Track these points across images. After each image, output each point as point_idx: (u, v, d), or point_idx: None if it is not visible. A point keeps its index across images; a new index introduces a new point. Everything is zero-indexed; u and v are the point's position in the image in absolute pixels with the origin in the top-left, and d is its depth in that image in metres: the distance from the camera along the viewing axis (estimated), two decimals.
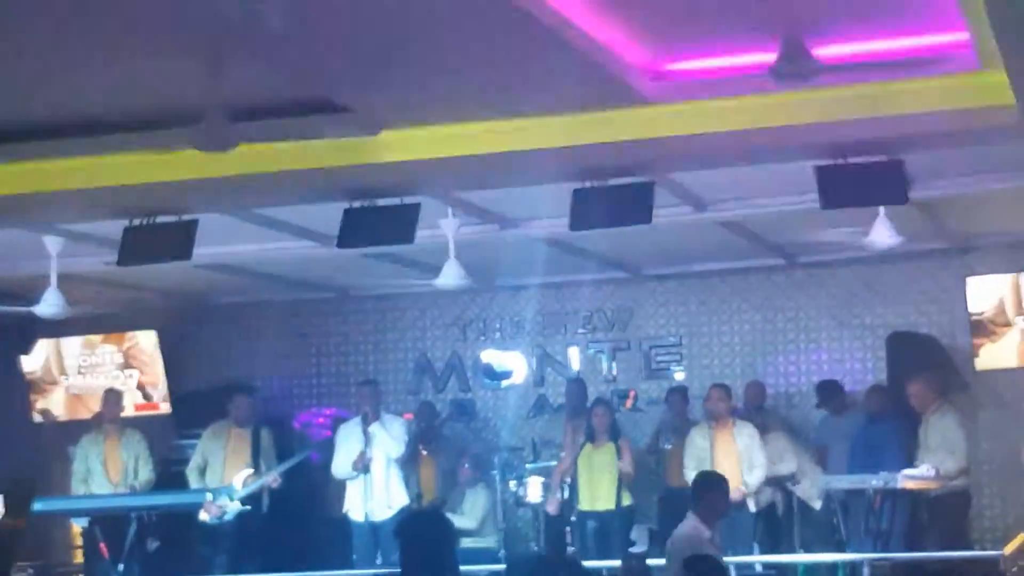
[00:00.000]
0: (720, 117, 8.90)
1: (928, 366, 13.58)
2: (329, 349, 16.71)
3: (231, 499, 13.12)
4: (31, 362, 16.30)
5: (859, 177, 9.12)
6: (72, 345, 16.22)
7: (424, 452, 14.21)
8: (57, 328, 14.50)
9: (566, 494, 13.40)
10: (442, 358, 16.48)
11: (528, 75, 8.32)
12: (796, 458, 13.49)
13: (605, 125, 9.10)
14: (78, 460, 13.87)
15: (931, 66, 7.99)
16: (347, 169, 9.71)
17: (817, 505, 13.54)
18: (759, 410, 14.23)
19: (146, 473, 13.91)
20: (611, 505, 13.19)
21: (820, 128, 8.84)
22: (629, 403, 15.66)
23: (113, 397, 14.25)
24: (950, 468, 12.56)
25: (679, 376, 15.74)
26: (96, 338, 16.20)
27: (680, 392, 14.78)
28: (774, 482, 13.31)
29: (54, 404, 16.23)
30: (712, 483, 9.94)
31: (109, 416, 14.00)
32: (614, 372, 16.07)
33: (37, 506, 10.69)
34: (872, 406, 13.71)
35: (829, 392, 14.20)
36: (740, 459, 12.94)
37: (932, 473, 12.32)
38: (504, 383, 16.35)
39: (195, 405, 15.47)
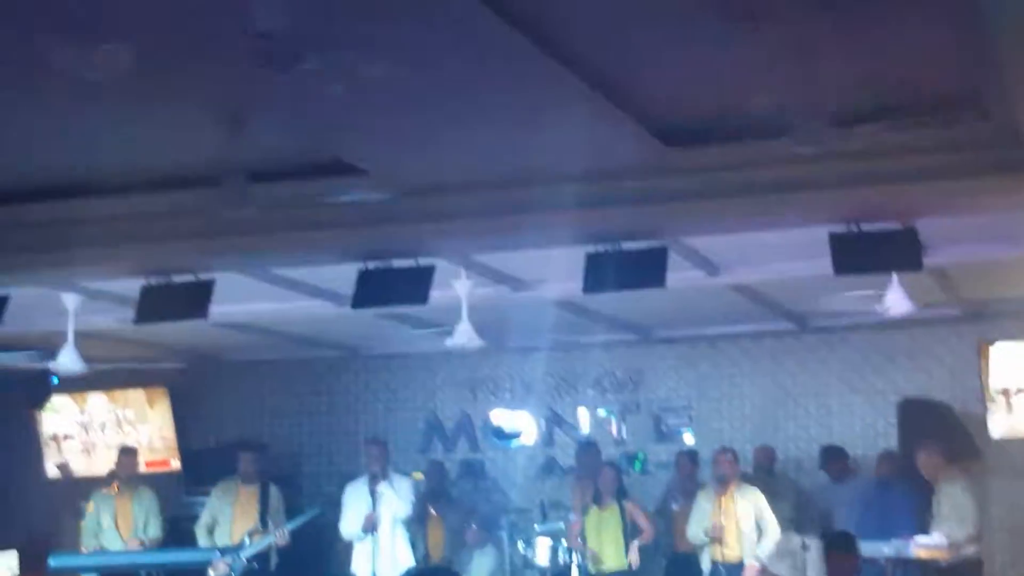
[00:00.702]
0: (733, 183, 8.94)
1: (940, 433, 13.55)
2: (340, 407, 16.74)
3: (239, 557, 13.10)
4: (46, 417, 16.36)
5: (873, 243, 9.13)
6: (86, 401, 16.27)
7: (433, 512, 14.19)
8: (72, 384, 14.55)
9: (579, 558, 13.38)
10: (452, 418, 16.52)
11: (543, 139, 8.37)
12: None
13: (619, 189, 9.14)
14: (90, 515, 13.88)
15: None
16: (362, 231, 9.76)
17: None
18: (768, 475, 14.21)
19: (155, 530, 13.91)
20: (617, 566, 13.17)
21: (834, 195, 8.87)
22: (638, 465, 15.68)
23: (128, 454, 14.26)
24: (961, 537, 12.52)
25: (688, 439, 15.74)
26: (109, 394, 16.25)
27: (689, 455, 14.79)
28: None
29: (68, 459, 16.27)
30: None
31: (123, 473, 14.01)
32: (623, 434, 16.08)
33: (51, 562, 10.66)
34: (883, 472, 13.68)
35: (831, 457, 14.18)
36: (742, 524, 12.92)
37: (944, 542, 12.29)
38: (513, 444, 16.38)
39: (205, 462, 15.49)
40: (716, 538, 12.90)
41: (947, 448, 13.01)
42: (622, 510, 13.28)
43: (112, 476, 14.44)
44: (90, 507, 13.97)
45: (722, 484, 13.10)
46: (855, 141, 8.02)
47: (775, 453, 14.61)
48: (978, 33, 6.64)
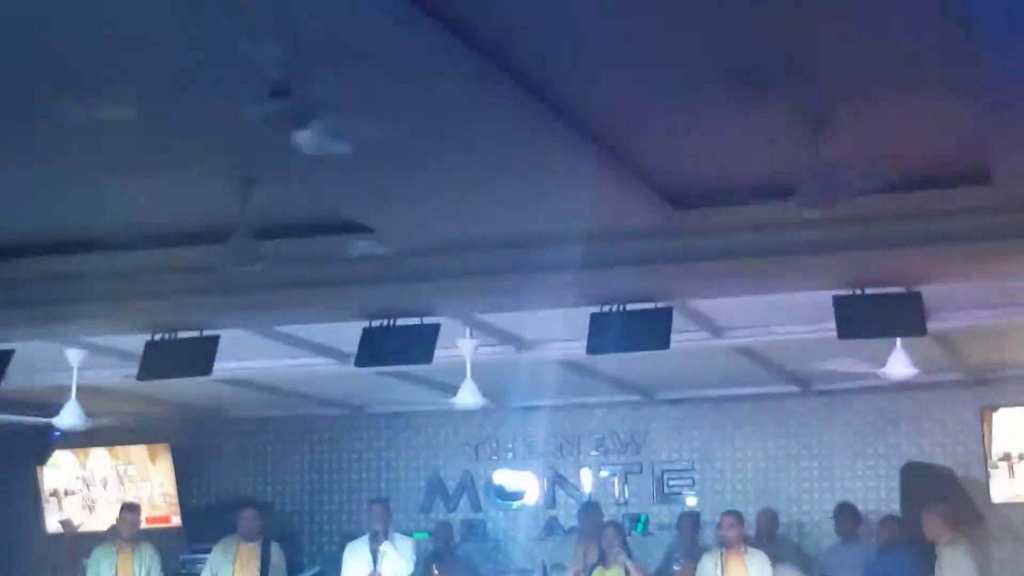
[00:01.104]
0: (739, 245, 8.98)
1: (942, 497, 13.50)
2: (342, 465, 16.72)
3: None
4: (47, 472, 16.36)
5: (877, 308, 9.15)
6: (88, 456, 16.27)
7: (436, 573, 14.12)
8: (74, 439, 14.56)
9: None
10: (454, 477, 16.48)
11: (551, 200, 8.43)
12: None
13: (625, 250, 9.18)
14: (90, 571, 13.82)
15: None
16: (368, 289, 9.79)
17: None
18: (771, 538, 14.16)
19: None
20: None
21: (839, 259, 8.91)
22: (640, 526, 15.64)
23: (130, 511, 14.19)
24: None
25: (691, 501, 15.71)
26: (111, 449, 16.25)
27: (691, 517, 14.75)
28: None
29: (69, 515, 16.26)
30: None
31: (125, 530, 13.94)
32: (626, 495, 16.05)
33: None
34: (885, 536, 13.63)
35: (845, 515, 14.06)
36: None
37: None
38: (516, 504, 16.33)
39: (206, 519, 15.46)
40: None
41: (949, 512, 12.96)
42: (626, 571, 13.21)
43: (114, 532, 14.39)
44: (91, 561, 13.91)
45: (727, 547, 13.02)
46: (860, 206, 8.05)
47: (778, 516, 14.56)
48: (982, 104, 6.70)
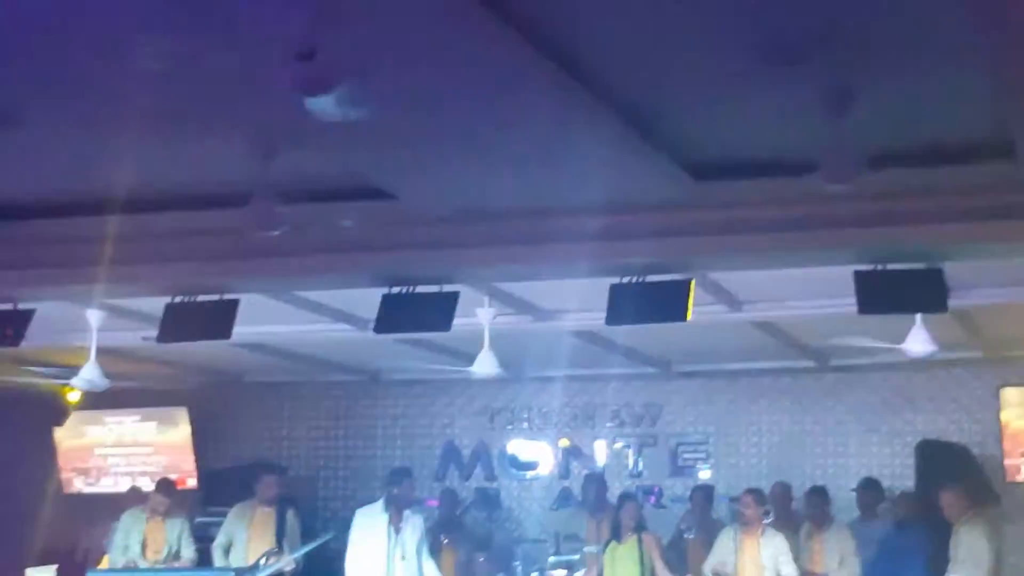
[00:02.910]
0: (760, 219, 8.96)
1: (958, 475, 13.48)
2: (358, 432, 16.76)
3: None
4: (65, 434, 16.43)
5: (898, 283, 9.12)
6: (106, 418, 16.33)
7: (445, 541, 14.14)
8: (93, 400, 14.61)
9: None
10: (469, 446, 16.53)
11: (573, 170, 8.41)
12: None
13: (646, 222, 9.17)
14: (119, 534, 13.86)
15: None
16: (388, 256, 9.79)
17: None
18: (786, 512, 14.14)
19: (189, 553, 13.87)
20: None
21: (861, 233, 8.88)
22: (653, 499, 15.64)
23: (164, 490, 14.19)
24: None
25: (705, 474, 15.72)
26: (129, 411, 16.31)
27: (704, 490, 14.76)
28: None
29: (87, 476, 16.34)
30: None
31: (159, 509, 13.90)
32: (640, 467, 16.07)
33: None
34: (900, 513, 13.61)
35: (871, 491, 13.98)
36: (763, 569, 12.85)
37: None
38: (529, 474, 16.36)
39: (222, 482, 15.51)
40: None
41: (970, 491, 12.92)
42: (640, 544, 13.20)
43: (136, 495, 14.47)
44: (120, 525, 13.95)
45: (745, 525, 12.99)
46: (884, 181, 8.03)
47: (791, 491, 14.54)
48: (1006, 77, 6.67)
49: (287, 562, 13.31)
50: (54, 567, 10.13)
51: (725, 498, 14.59)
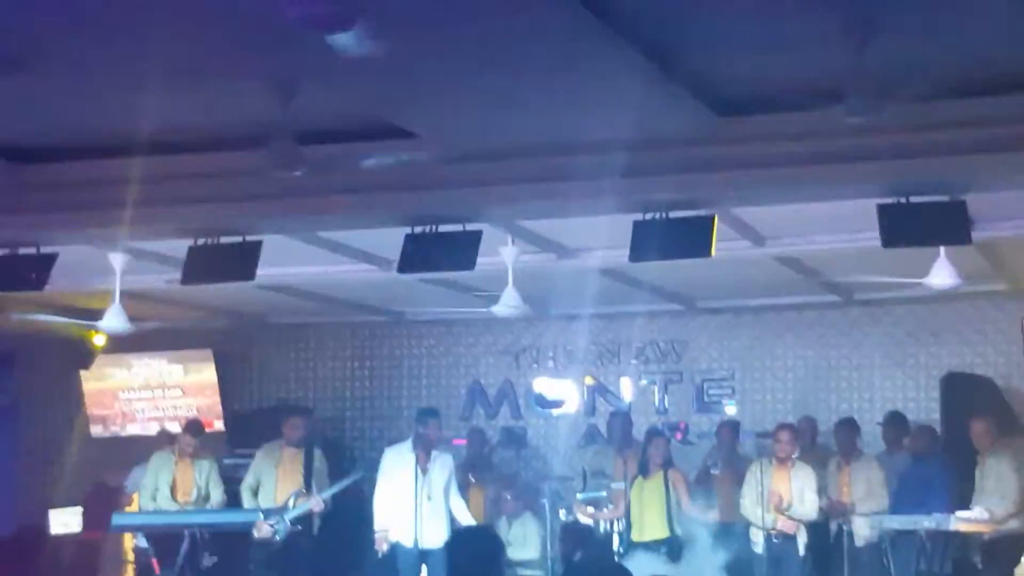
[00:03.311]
0: (784, 153, 8.92)
1: (983, 408, 13.46)
2: (383, 372, 16.81)
3: (283, 519, 13.15)
4: (90, 377, 16.52)
5: (922, 216, 9.08)
6: (132, 361, 16.42)
7: (473, 480, 14.19)
8: (118, 344, 14.68)
9: (619, 526, 13.37)
10: (495, 385, 16.56)
11: (595, 107, 8.38)
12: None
13: (669, 158, 9.14)
14: (148, 476, 13.94)
15: None
16: (410, 194, 9.78)
17: (865, 542, 13.42)
18: (812, 445, 14.17)
19: (218, 495, 13.94)
20: (661, 535, 13.15)
21: (884, 166, 8.84)
22: (679, 436, 15.65)
23: (192, 431, 14.26)
24: (1002, 512, 12.43)
25: (730, 410, 15.73)
26: (154, 355, 16.39)
27: (731, 426, 14.77)
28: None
29: (112, 419, 16.45)
30: None
31: (187, 450, 13.99)
32: (666, 404, 16.10)
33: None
34: (918, 447, 13.58)
35: (896, 425, 13.95)
36: (794, 500, 12.91)
37: (985, 516, 12.23)
38: (555, 412, 16.40)
39: (249, 424, 15.59)
40: (776, 508, 12.86)
41: (999, 421, 12.89)
42: (667, 480, 13.25)
43: (164, 437, 14.56)
44: (149, 467, 14.03)
45: (777, 459, 13.04)
46: (906, 113, 7.98)
47: (817, 425, 14.57)
48: None
49: (316, 502, 13.38)
50: (79, 508, 10.22)
51: (751, 433, 14.59)
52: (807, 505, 12.91)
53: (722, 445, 14.55)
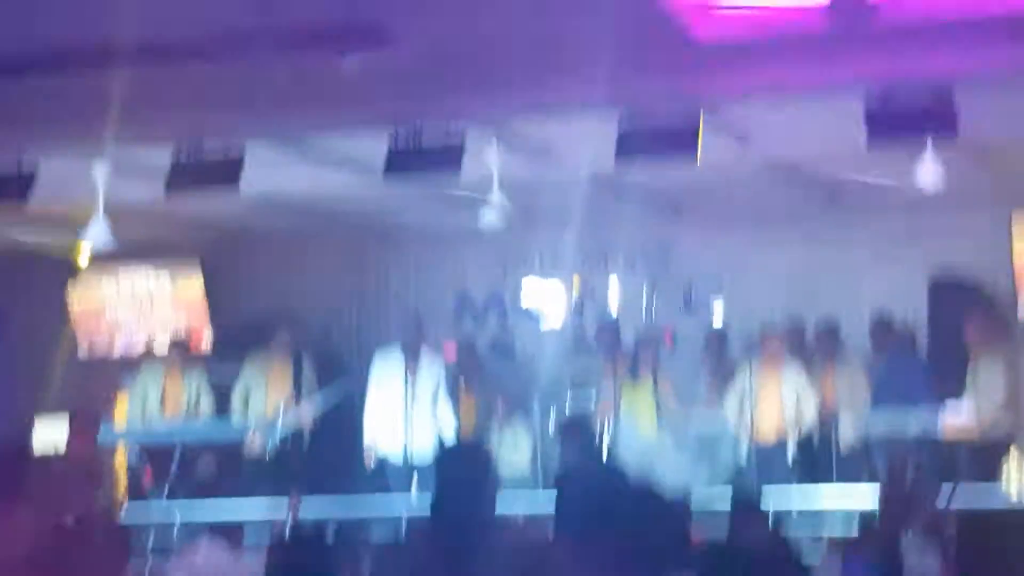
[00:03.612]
0: (768, 53, 8.87)
1: (970, 310, 13.47)
2: (370, 283, 16.78)
3: (274, 429, 13.21)
4: (76, 293, 16.49)
5: (908, 112, 9.06)
6: (118, 276, 16.39)
7: (464, 388, 14.21)
8: (103, 258, 14.64)
9: (608, 432, 13.42)
10: (482, 293, 16.52)
11: (578, 7, 8.32)
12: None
13: (653, 59, 9.09)
14: (138, 391, 13.97)
15: None
16: (393, 98, 9.73)
17: (851, 445, 13.48)
18: (799, 349, 14.20)
19: (206, 406, 14.00)
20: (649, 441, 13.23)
21: (869, 63, 8.80)
22: (668, 340, 15.67)
23: (179, 346, 14.29)
24: (990, 412, 12.48)
25: (718, 313, 15.73)
26: (141, 268, 16.36)
27: (719, 334, 14.82)
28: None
29: (100, 336, 16.44)
30: None
31: (176, 362, 14.03)
32: (653, 310, 16.10)
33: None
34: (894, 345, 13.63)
35: (884, 327, 13.96)
36: (783, 404, 12.97)
37: (972, 414, 12.28)
38: (543, 319, 16.40)
39: (238, 335, 15.60)
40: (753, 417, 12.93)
41: (993, 321, 12.89)
42: (656, 386, 13.29)
43: (150, 357, 14.61)
44: (137, 383, 14.06)
45: (764, 363, 13.08)
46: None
47: (804, 329, 14.60)
48: None
49: (306, 415, 13.45)
50: (64, 424, 10.25)
51: (738, 337, 14.61)
52: (806, 410, 12.95)
53: (710, 352, 14.60)
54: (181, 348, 14.24)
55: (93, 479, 7.53)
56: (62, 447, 10.24)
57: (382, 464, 13.24)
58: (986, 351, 12.62)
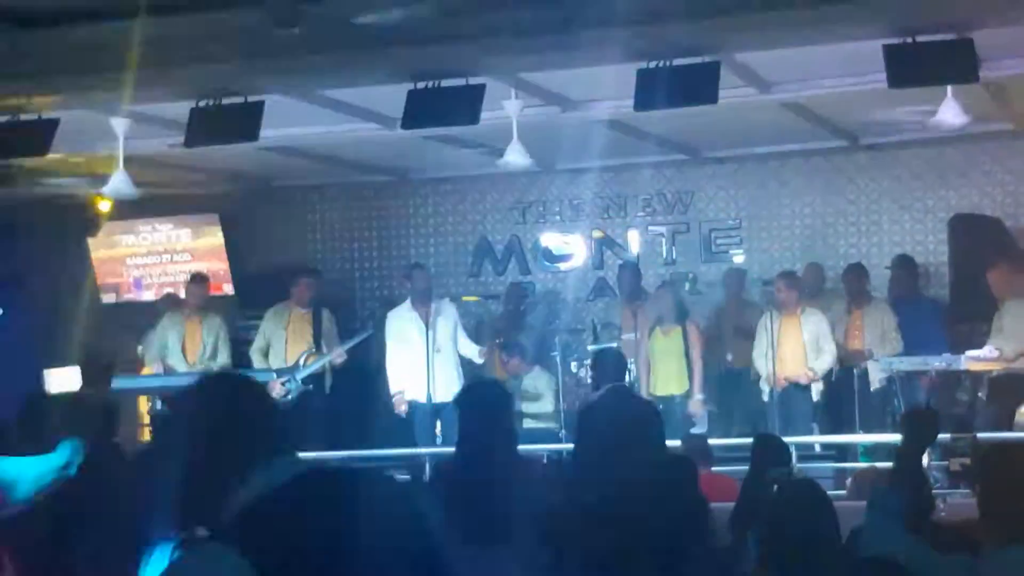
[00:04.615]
0: None
1: (991, 249, 13.42)
2: (389, 231, 16.81)
3: (295, 378, 13.26)
4: (98, 243, 16.54)
5: (928, 55, 9.01)
6: (138, 227, 16.44)
7: (500, 340, 14.20)
8: (122, 211, 14.68)
9: (631, 377, 13.41)
10: (502, 241, 16.54)
11: None
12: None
13: (671, 4, 9.05)
14: (158, 338, 14.02)
15: None
16: (412, 49, 9.69)
17: (876, 386, 13.48)
18: (818, 293, 14.20)
19: (224, 357, 14.02)
20: (681, 390, 13.20)
21: (889, 4, 8.75)
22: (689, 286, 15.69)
23: (198, 283, 14.33)
24: (1012, 350, 12.44)
25: (738, 259, 15.73)
26: (161, 220, 16.40)
27: (737, 273, 14.83)
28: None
29: (120, 285, 16.51)
30: None
31: (192, 301, 14.08)
32: (673, 255, 16.10)
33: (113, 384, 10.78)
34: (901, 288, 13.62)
35: (906, 269, 13.89)
36: (806, 348, 12.97)
37: (995, 354, 12.25)
38: (563, 266, 16.42)
39: (257, 287, 15.64)
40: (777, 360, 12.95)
41: (1013, 266, 12.81)
42: (685, 334, 13.27)
43: (172, 301, 14.62)
44: (158, 329, 14.10)
45: (781, 308, 13.08)
46: None
47: (824, 271, 14.60)
48: None
49: (338, 353, 13.48)
50: (76, 368, 10.30)
51: (759, 282, 14.61)
52: (826, 355, 12.96)
53: (729, 293, 14.62)
54: (199, 283, 14.25)
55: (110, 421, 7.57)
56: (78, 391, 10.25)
57: (409, 410, 13.27)
58: (1014, 293, 12.52)
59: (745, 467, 7.06)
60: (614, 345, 13.40)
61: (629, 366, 13.23)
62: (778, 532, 5.40)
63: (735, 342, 14.09)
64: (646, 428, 5.47)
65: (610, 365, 10.38)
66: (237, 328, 15.40)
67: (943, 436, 10.29)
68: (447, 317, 13.34)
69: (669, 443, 11.44)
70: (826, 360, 12.95)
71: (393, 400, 13.24)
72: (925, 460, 9.29)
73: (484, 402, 6.46)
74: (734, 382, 14.11)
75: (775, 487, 6.30)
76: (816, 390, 13.03)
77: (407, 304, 13.42)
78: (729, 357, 14.19)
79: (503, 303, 15.23)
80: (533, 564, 5.27)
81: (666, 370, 13.24)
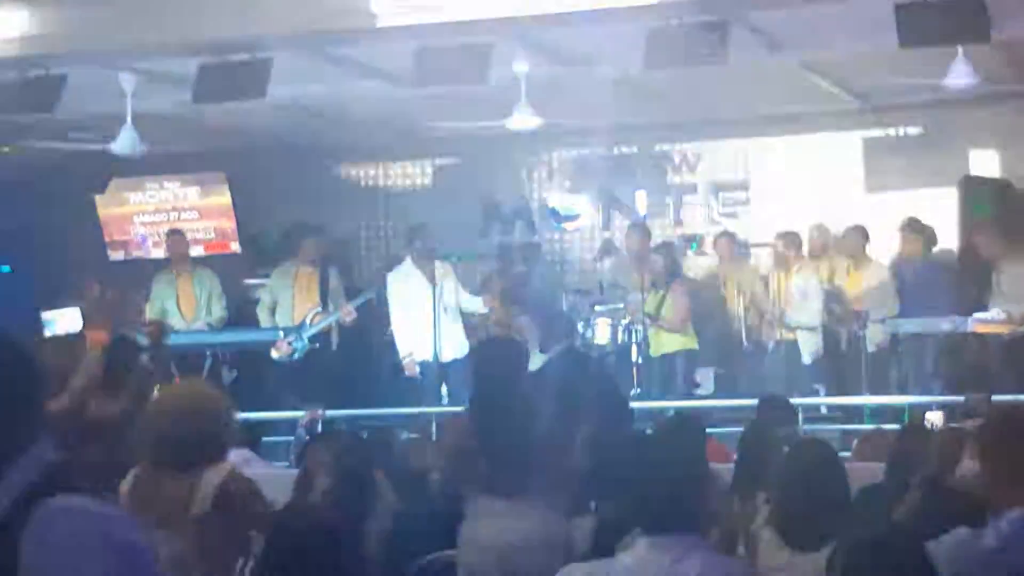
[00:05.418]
0: None
1: (1000, 210, 13.41)
2: (396, 191, 16.78)
3: (301, 336, 13.26)
4: (106, 201, 16.54)
5: (939, 14, 8.98)
6: (146, 184, 16.44)
7: (500, 298, 14.17)
8: (131, 167, 14.67)
9: (636, 337, 13.44)
10: (509, 201, 16.49)
11: None
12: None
13: None
14: (154, 298, 14.04)
15: None
16: (419, 11, 9.68)
17: (878, 347, 13.47)
18: (824, 253, 14.17)
19: (219, 311, 14.04)
20: (679, 346, 13.27)
21: None
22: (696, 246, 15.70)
23: (173, 236, 14.38)
24: (1019, 312, 12.43)
25: (745, 219, 15.71)
26: (168, 177, 16.38)
27: (726, 237, 14.81)
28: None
29: (129, 242, 16.52)
30: None
31: (175, 255, 14.14)
32: (681, 216, 16.08)
33: None
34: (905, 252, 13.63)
35: (915, 231, 13.83)
36: (791, 299, 13.12)
37: (1003, 316, 12.25)
38: (571, 226, 16.38)
39: (264, 245, 15.63)
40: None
41: (1003, 228, 12.82)
42: (681, 290, 13.33)
43: (166, 260, 14.67)
44: (154, 287, 14.12)
45: (781, 267, 13.15)
46: None
47: (829, 232, 14.56)
48: None
49: (348, 311, 13.46)
50: (76, 310, 10.31)
51: (760, 242, 14.66)
52: (808, 311, 13.03)
53: (720, 256, 14.65)
54: (175, 238, 14.26)
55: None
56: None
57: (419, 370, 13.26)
58: (1008, 255, 12.51)
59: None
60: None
61: (636, 326, 13.34)
62: (789, 492, 5.42)
63: (733, 299, 14.15)
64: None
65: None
66: (245, 286, 15.42)
67: (957, 397, 10.45)
68: (448, 275, 13.32)
69: (670, 403, 11.76)
70: (807, 315, 13.01)
71: (404, 363, 13.22)
72: (941, 421, 9.39)
73: (499, 359, 6.47)
74: (735, 340, 14.14)
75: (784, 448, 6.32)
76: (806, 352, 13.11)
77: (408, 264, 13.37)
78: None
79: (509, 263, 15.17)
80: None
81: (660, 329, 13.31)
